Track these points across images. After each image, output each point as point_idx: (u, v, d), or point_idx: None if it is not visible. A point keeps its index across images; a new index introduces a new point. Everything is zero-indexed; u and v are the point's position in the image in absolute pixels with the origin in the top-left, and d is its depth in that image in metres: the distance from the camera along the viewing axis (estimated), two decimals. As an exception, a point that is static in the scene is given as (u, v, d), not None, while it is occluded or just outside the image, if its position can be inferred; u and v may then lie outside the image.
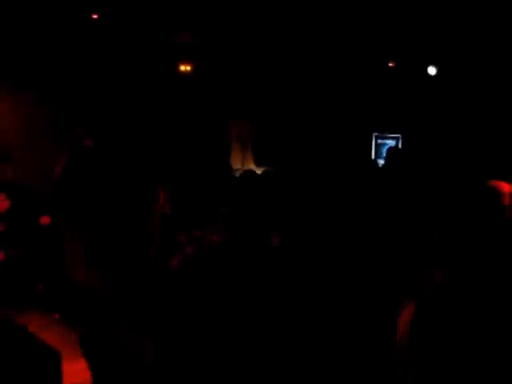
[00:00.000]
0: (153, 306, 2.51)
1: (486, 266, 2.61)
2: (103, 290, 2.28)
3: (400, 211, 3.82)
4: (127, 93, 7.90)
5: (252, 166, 8.84)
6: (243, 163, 9.04)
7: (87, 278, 2.19)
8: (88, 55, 7.56)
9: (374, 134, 10.43)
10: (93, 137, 2.50)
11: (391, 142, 10.35)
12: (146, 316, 2.41)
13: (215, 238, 5.08)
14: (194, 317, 3.34)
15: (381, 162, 10.15)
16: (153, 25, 7.50)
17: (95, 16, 6.78)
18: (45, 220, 5.88)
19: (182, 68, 8.38)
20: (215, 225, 5.10)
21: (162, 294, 2.64)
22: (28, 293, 5.79)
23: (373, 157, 10.28)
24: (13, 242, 5.16)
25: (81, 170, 2.33)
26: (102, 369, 2.44)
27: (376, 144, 10.40)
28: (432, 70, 8.92)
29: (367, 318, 3.28)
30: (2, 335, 3.52)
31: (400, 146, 10.26)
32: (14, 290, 5.21)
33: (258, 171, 5.96)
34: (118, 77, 7.79)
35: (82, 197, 2.17)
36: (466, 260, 2.72)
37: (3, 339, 3.50)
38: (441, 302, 2.46)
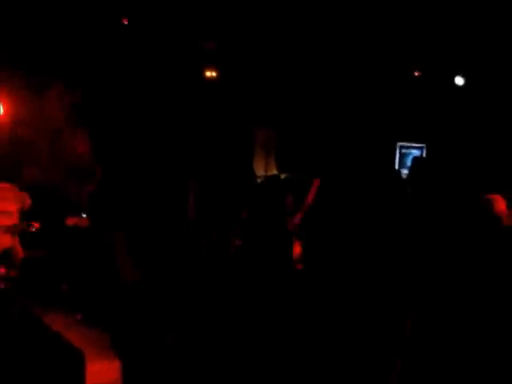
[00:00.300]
0: (183, 303, 2.55)
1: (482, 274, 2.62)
2: (147, 289, 2.33)
3: (424, 221, 3.81)
4: (154, 98, 7.98)
5: (275, 173, 8.87)
6: (266, 169, 9.07)
7: (134, 277, 2.24)
8: (117, 60, 7.66)
9: (398, 144, 10.37)
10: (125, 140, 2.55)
11: (415, 152, 10.28)
12: (176, 312, 2.46)
13: (235, 242, 5.12)
14: (214, 317, 3.38)
15: (404, 171, 10.10)
16: (180, 31, 7.58)
17: (125, 21, 6.88)
18: (71, 221, 5.98)
19: (208, 74, 8.44)
20: (235, 229, 5.14)
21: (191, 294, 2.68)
22: (52, 293, 5.87)
23: (396, 167, 10.23)
24: (39, 241, 5.24)
25: (120, 174, 2.38)
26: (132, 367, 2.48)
27: (400, 154, 10.34)
28: (459, 81, 8.86)
29: (370, 320, 3.29)
30: (28, 334, 3.59)
31: (424, 155, 10.19)
32: (38, 289, 5.29)
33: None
34: (145, 82, 7.87)
35: (123, 199, 2.23)
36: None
37: (29, 338, 3.57)
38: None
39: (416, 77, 9.32)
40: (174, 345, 2.47)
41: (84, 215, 6.26)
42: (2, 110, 6.57)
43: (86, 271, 5.87)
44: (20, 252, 3.85)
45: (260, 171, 8.83)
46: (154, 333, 2.37)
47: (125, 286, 2.24)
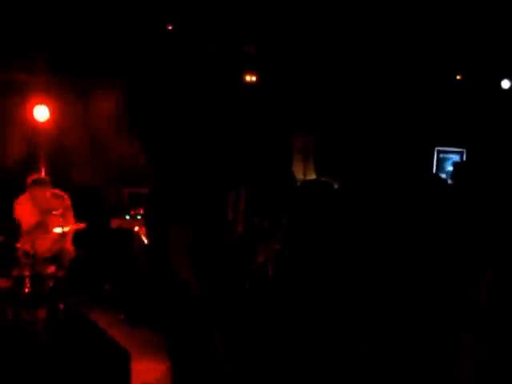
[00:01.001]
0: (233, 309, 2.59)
1: None
2: (200, 288, 2.37)
3: (471, 226, 3.76)
4: (194, 102, 8.07)
5: (313, 177, 8.87)
6: (305, 174, 9.07)
7: (191, 277, 2.27)
8: (157, 64, 7.77)
9: (436, 149, 10.24)
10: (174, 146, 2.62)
11: (454, 157, 10.13)
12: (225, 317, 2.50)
13: (276, 247, 5.14)
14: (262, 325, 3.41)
15: (442, 176, 9.96)
16: (220, 35, 7.65)
17: (169, 27, 7.00)
18: (115, 222, 6.12)
19: (248, 78, 8.49)
20: (276, 234, 5.16)
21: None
22: (96, 292, 6.01)
23: (434, 172, 10.10)
24: (85, 242, 5.38)
25: (174, 177, 2.43)
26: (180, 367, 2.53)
27: (438, 158, 10.21)
28: (506, 84, 8.69)
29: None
30: (76, 331, 3.70)
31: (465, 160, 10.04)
32: (82, 288, 5.42)
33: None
34: (185, 86, 7.96)
35: (179, 200, 2.27)
36: None
37: (77, 335, 3.67)
38: None
39: (458, 80, 9.19)
40: (224, 354, 2.51)
41: (127, 217, 6.40)
42: (48, 115, 6.74)
43: (130, 272, 6.00)
44: (71, 253, 3.99)
45: (299, 175, 8.84)
46: (205, 338, 2.41)
47: (182, 287, 2.28)
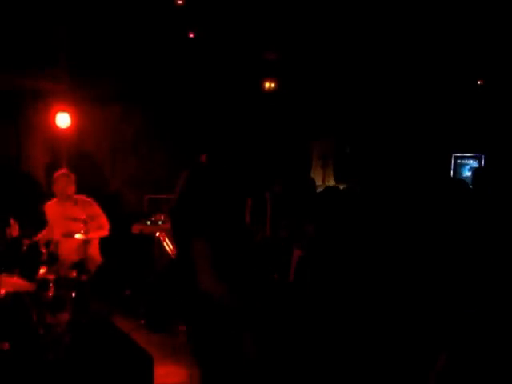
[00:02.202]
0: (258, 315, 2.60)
1: None
2: (231, 302, 2.38)
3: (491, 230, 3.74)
4: (213, 108, 8.12)
5: (332, 183, 8.87)
6: (324, 180, 9.07)
7: (218, 290, 2.28)
8: (179, 72, 7.84)
9: (454, 155, 10.19)
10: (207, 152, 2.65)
11: (472, 162, 10.07)
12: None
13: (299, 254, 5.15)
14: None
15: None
16: (241, 42, 7.70)
17: (191, 35, 7.07)
18: (136, 229, 6.17)
19: (267, 85, 8.53)
20: (300, 241, 5.17)
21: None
22: (116, 298, 6.06)
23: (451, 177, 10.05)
24: (106, 247, 5.43)
25: (204, 186, 2.44)
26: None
27: (455, 164, 10.15)
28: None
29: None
30: (99, 335, 3.73)
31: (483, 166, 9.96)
32: (103, 294, 5.46)
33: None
34: (204, 93, 8.01)
35: (205, 210, 2.29)
36: None
37: (100, 338, 3.71)
38: None
39: (478, 85, 9.14)
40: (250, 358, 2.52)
41: (148, 222, 6.45)
42: (70, 121, 6.83)
43: (151, 277, 6.04)
44: (98, 259, 4.02)
45: (318, 181, 8.84)
46: (234, 340, 2.42)
47: (207, 298, 2.30)
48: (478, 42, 7.81)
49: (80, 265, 4.72)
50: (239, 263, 2.45)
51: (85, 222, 4.73)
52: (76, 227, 4.76)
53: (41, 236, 5.02)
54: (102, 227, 5.20)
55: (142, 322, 5.82)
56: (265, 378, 2.64)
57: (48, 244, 4.83)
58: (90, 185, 7.20)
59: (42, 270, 4.42)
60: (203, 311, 2.39)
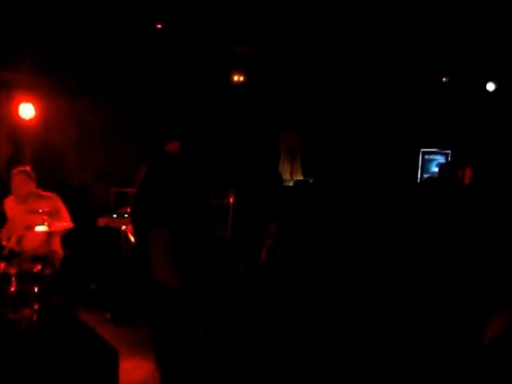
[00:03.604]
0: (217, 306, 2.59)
1: None
2: (183, 290, 2.36)
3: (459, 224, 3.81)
4: (180, 101, 8.04)
5: (300, 177, 8.91)
6: (292, 174, 9.10)
7: (171, 278, 2.25)
8: (145, 63, 7.75)
9: (422, 150, 10.35)
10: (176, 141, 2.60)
11: (439, 158, 10.25)
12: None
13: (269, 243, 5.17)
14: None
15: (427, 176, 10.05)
16: (209, 35, 7.65)
17: (159, 26, 6.98)
18: (102, 222, 6.08)
19: (236, 78, 8.50)
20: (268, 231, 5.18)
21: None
22: (82, 291, 5.97)
23: (419, 172, 10.21)
24: (71, 241, 5.34)
25: (165, 175, 2.41)
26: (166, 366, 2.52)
27: (423, 160, 10.32)
28: (491, 86, 8.81)
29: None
30: (63, 330, 3.67)
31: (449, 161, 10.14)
32: (69, 288, 5.38)
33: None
34: (171, 85, 7.94)
35: (165, 200, 2.25)
36: None
37: (64, 333, 3.65)
38: None
39: (444, 83, 9.28)
40: (207, 341, 2.51)
41: (114, 216, 6.37)
42: (34, 112, 6.69)
43: (116, 271, 5.96)
44: (60, 253, 3.94)
45: (286, 175, 8.86)
46: (188, 329, 2.40)
47: (157, 284, 2.28)
48: (444, 40, 7.92)
49: (43, 258, 4.62)
50: (199, 253, 2.43)
51: (49, 215, 4.63)
52: (38, 220, 4.66)
53: (3, 231, 4.91)
54: (64, 221, 5.10)
55: (108, 315, 5.75)
56: (220, 368, 2.64)
57: (9, 238, 4.73)
58: (55, 178, 7.09)
59: (3, 265, 4.32)
60: (157, 300, 2.37)
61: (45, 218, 4.61)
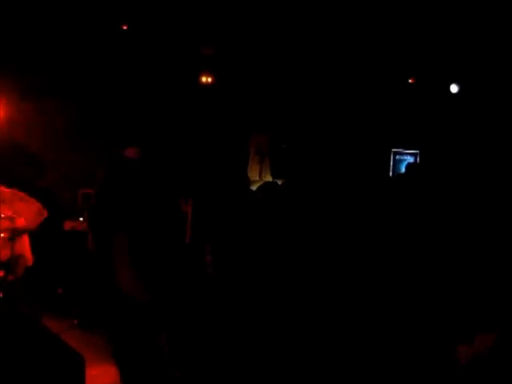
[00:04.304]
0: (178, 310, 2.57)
1: None
2: (145, 299, 2.33)
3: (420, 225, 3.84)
4: (148, 103, 7.99)
5: (269, 179, 8.89)
6: (261, 175, 9.09)
7: (133, 287, 2.23)
8: (111, 64, 7.67)
9: (393, 150, 10.43)
10: (136, 147, 2.55)
11: (409, 159, 10.35)
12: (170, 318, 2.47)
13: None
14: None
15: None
16: (176, 36, 7.60)
17: (125, 27, 6.91)
18: (68, 225, 5.98)
19: (204, 79, 8.46)
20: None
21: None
22: (48, 297, 5.87)
23: (390, 173, 10.29)
24: (37, 244, 5.24)
25: (123, 180, 2.37)
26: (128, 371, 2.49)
27: (394, 160, 10.40)
28: (454, 88, 8.97)
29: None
30: (28, 337, 3.59)
31: (418, 162, 10.26)
32: (35, 293, 5.28)
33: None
34: (139, 87, 7.87)
35: (124, 207, 2.22)
36: None
37: (29, 341, 3.57)
38: None
39: (410, 84, 9.41)
40: (169, 349, 2.49)
41: (81, 219, 6.27)
42: (-1, 112, 6.55)
43: (84, 276, 5.88)
44: (29, 260, 3.82)
45: (255, 177, 8.85)
46: (150, 337, 2.38)
47: (123, 293, 2.25)
48: (411, 42, 8.03)
49: (7, 264, 4.52)
50: (162, 260, 2.41)
51: (10, 220, 4.53)
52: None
53: None
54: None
55: (75, 321, 5.68)
56: (184, 375, 2.62)
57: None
58: (20, 180, 6.95)
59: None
60: (120, 308, 2.35)
61: (7, 223, 4.51)
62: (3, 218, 4.53)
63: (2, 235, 4.53)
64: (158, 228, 2.42)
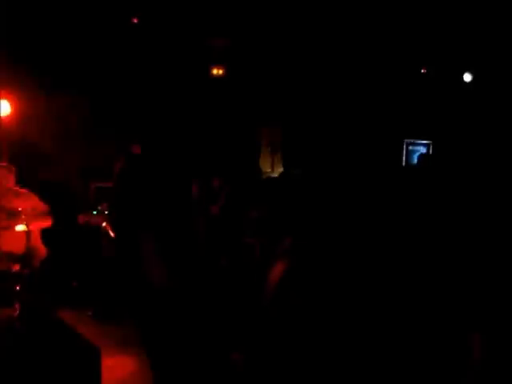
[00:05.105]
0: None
1: None
2: (174, 288, 2.37)
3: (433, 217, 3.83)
4: (161, 96, 8.00)
5: (281, 170, 8.91)
6: (273, 167, 9.11)
7: (161, 277, 2.26)
8: (123, 59, 7.68)
9: (405, 141, 10.37)
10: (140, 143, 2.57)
11: (422, 149, 10.29)
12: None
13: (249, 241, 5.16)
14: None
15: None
16: (187, 28, 7.60)
17: (135, 20, 6.92)
18: (82, 218, 6.03)
19: (215, 71, 8.45)
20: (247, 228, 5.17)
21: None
22: (63, 289, 5.93)
23: (403, 163, 10.24)
24: (51, 238, 5.28)
25: (136, 176, 2.40)
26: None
27: (407, 150, 10.35)
28: (467, 77, 8.90)
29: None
30: (46, 329, 3.65)
31: (431, 152, 10.21)
32: (50, 286, 5.34)
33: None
34: (150, 80, 7.89)
35: (144, 200, 2.25)
36: None
37: (45, 333, 3.62)
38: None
39: (423, 74, 9.33)
40: (199, 346, 2.52)
41: (94, 212, 6.31)
42: (10, 109, 6.61)
43: (98, 269, 5.93)
44: (43, 252, 3.87)
45: (267, 168, 8.86)
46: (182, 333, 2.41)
47: (153, 285, 2.28)
48: (424, 31, 7.97)
49: (23, 258, 4.57)
50: (184, 251, 2.44)
51: (27, 214, 4.57)
52: (16, 219, 4.60)
53: None
54: (43, 219, 5.03)
55: (90, 313, 5.74)
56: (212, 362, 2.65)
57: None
58: (33, 175, 7.02)
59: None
60: (149, 300, 2.38)
61: (22, 217, 4.56)
62: (20, 211, 4.58)
63: (21, 229, 4.58)
64: (179, 227, 2.45)
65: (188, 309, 2.33)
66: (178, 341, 2.42)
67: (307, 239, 4.05)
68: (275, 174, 8.67)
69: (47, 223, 5.06)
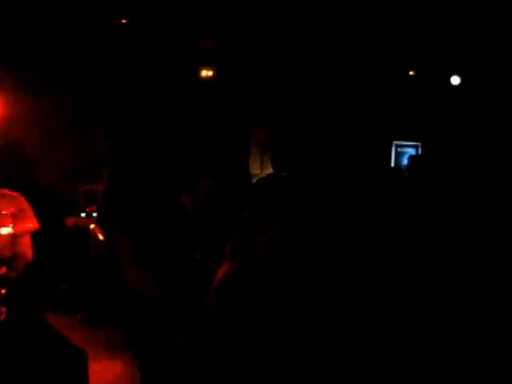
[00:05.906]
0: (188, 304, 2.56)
1: None
2: (150, 290, 2.33)
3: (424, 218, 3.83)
4: (148, 97, 7.97)
5: (270, 171, 8.88)
6: (262, 168, 9.09)
7: (137, 278, 2.23)
8: (111, 60, 7.64)
9: (394, 143, 10.40)
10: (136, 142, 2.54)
11: (411, 151, 10.32)
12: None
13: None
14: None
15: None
16: (177, 29, 7.57)
17: (124, 21, 6.88)
18: (70, 221, 5.98)
19: (204, 73, 8.44)
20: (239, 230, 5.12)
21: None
22: (51, 293, 5.87)
23: (392, 165, 10.26)
24: (39, 241, 5.22)
25: (126, 175, 2.37)
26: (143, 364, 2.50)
27: (396, 152, 10.38)
28: (455, 80, 8.95)
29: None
30: (31, 333, 3.59)
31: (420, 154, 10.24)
32: (37, 289, 5.27)
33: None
34: (139, 82, 7.85)
35: (130, 199, 2.22)
36: None
37: (32, 337, 3.57)
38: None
39: (411, 76, 9.38)
40: (183, 345, 2.49)
41: (83, 215, 6.27)
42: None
43: (86, 272, 5.88)
44: (29, 255, 3.80)
45: (256, 169, 8.84)
46: (163, 333, 2.38)
47: (125, 284, 2.25)
48: (412, 33, 8.00)
49: (9, 261, 4.49)
50: (168, 257, 2.41)
51: (13, 216, 4.50)
52: (2, 222, 4.52)
53: None
54: (30, 222, 4.96)
55: (79, 316, 5.69)
56: (197, 362, 2.61)
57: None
58: (21, 177, 6.94)
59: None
60: (131, 304, 2.35)
61: (9, 220, 4.48)
62: (5, 214, 4.50)
63: (6, 232, 4.50)
64: (159, 225, 2.41)
65: (165, 312, 2.31)
66: (157, 338, 2.40)
67: (293, 238, 4.02)
68: (264, 175, 8.64)
69: (34, 226, 4.99)
